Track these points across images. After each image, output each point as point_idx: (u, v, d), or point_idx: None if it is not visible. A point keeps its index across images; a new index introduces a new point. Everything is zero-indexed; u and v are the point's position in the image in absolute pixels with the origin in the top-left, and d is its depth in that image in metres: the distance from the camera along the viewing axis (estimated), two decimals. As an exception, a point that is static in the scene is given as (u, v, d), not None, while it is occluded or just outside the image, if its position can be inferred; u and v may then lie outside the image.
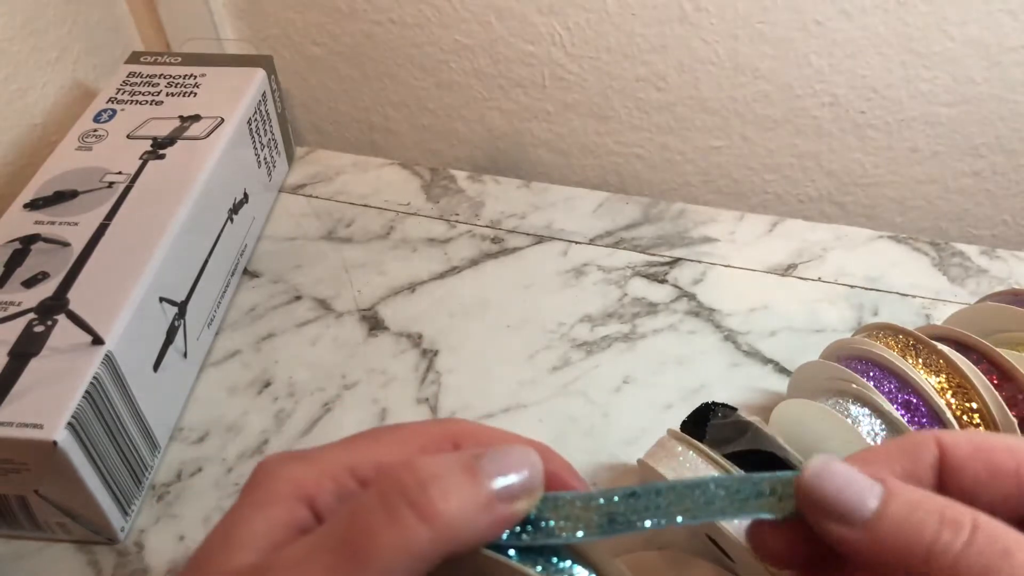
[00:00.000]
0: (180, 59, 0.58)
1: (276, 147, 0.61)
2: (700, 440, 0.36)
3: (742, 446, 0.35)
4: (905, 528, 0.19)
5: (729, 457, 0.34)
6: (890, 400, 0.37)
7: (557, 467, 0.23)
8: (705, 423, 0.38)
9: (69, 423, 0.36)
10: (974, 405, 0.36)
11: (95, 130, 0.52)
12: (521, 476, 0.20)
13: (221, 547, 0.20)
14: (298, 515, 0.21)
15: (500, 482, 0.20)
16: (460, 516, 0.19)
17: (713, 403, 0.39)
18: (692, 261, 0.56)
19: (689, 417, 0.39)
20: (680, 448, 0.35)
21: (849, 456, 0.22)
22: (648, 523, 0.21)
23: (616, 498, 0.21)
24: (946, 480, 0.21)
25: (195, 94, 0.55)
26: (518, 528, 0.21)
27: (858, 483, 0.20)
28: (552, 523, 0.21)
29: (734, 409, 0.38)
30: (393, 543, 0.18)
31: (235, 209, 0.53)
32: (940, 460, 0.21)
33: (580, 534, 0.21)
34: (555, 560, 0.21)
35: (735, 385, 0.49)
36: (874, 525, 0.19)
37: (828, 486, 0.20)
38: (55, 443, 0.36)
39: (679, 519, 0.21)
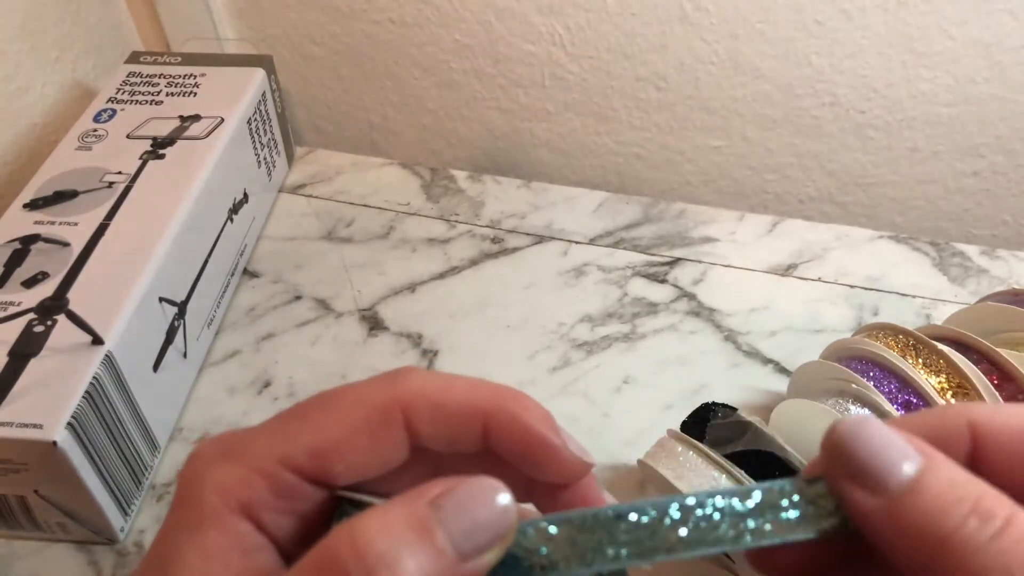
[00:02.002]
0: (180, 59, 0.58)
1: (276, 147, 0.61)
2: (700, 440, 0.36)
3: (742, 446, 0.35)
4: (933, 507, 0.17)
5: (729, 457, 0.34)
6: (890, 400, 0.37)
7: (532, 419, 0.20)
8: (705, 423, 0.38)
9: (69, 423, 0.36)
10: (974, 405, 0.36)
11: (95, 130, 0.52)
12: (490, 524, 0.17)
13: None
14: (236, 532, 0.18)
15: (464, 541, 0.17)
16: None
17: (713, 403, 0.39)
18: (692, 261, 0.56)
19: (689, 417, 0.39)
20: (680, 448, 0.35)
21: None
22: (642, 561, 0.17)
23: (599, 524, 0.18)
24: (977, 460, 0.19)
25: (195, 94, 0.55)
26: None
27: (897, 448, 0.18)
28: (525, 561, 0.17)
29: (734, 409, 0.38)
30: None
31: (235, 209, 0.53)
32: (972, 446, 0.19)
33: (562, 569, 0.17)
34: None
35: (735, 385, 0.48)
36: (901, 497, 0.17)
37: (863, 445, 0.18)
38: (55, 443, 0.36)
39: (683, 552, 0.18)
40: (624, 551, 0.17)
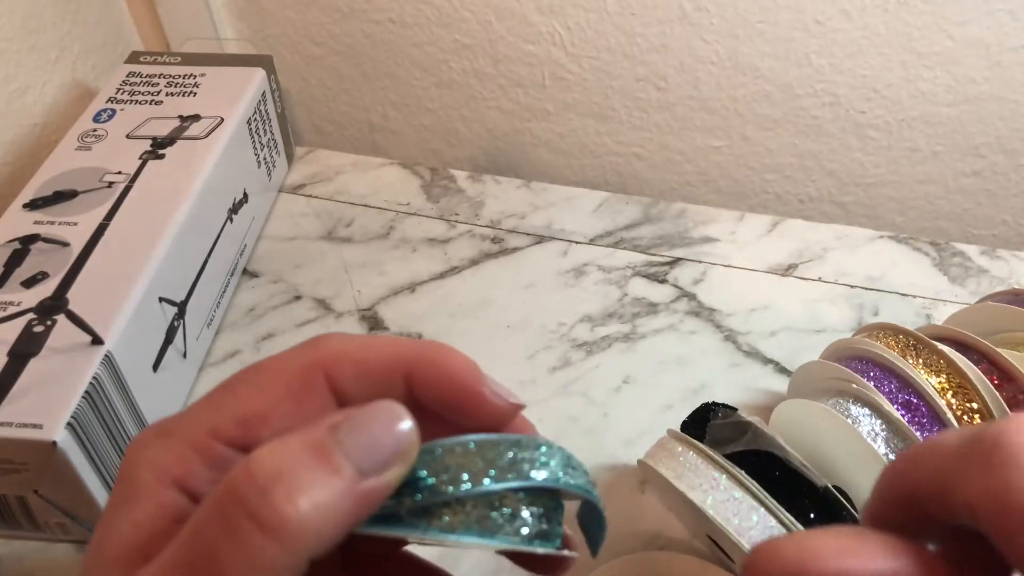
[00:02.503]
0: (180, 59, 0.58)
1: (276, 147, 0.61)
2: (700, 440, 0.36)
3: (742, 446, 0.35)
4: None
5: (729, 457, 0.34)
6: (890, 400, 0.37)
7: (453, 367, 0.20)
8: (705, 423, 0.38)
9: (69, 423, 0.36)
10: (974, 405, 0.36)
11: (95, 130, 0.52)
12: (390, 441, 0.17)
13: (94, 562, 0.18)
14: (168, 503, 0.18)
15: (363, 458, 0.17)
16: (314, 515, 0.16)
17: (713, 403, 0.39)
18: (692, 261, 0.56)
19: (689, 417, 0.39)
20: (680, 448, 0.35)
21: None
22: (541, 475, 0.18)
23: (482, 443, 0.18)
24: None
25: (195, 94, 0.55)
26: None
27: None
28: (432, 480, 0.18)
29: (734, 409, 0.38)
30: (238, 567, 0.16)
31: (235, 209, 0.53)
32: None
33: (466, 487, 0.18)
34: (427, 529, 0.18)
35: (735, 385, 0.48)
36: None
37: None
38: (55, 443, 0.35)
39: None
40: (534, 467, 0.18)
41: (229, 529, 0.16)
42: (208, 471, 0.19)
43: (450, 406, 0.20)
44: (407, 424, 0.18)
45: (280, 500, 0.16)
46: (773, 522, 0.32)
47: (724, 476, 0.33)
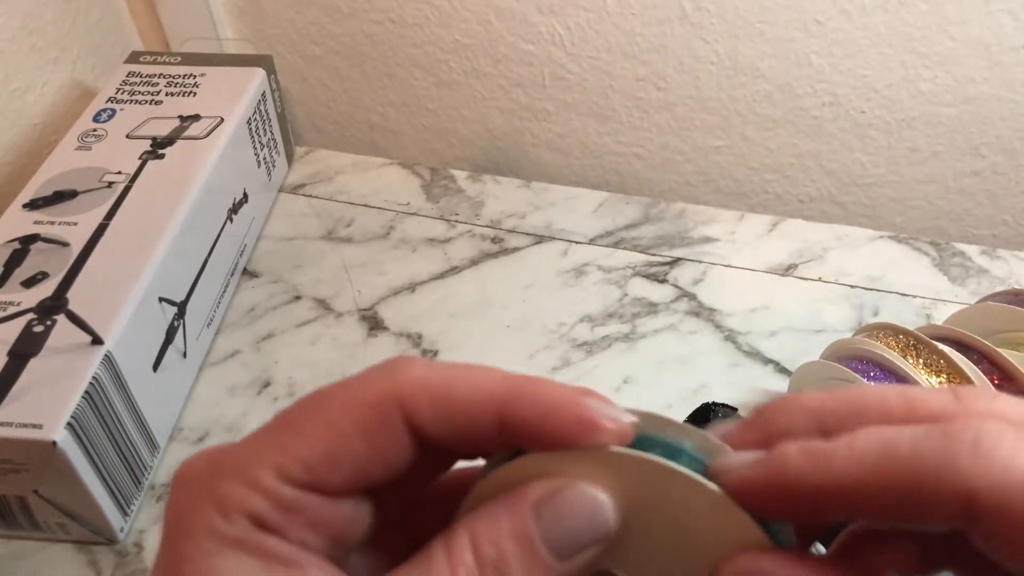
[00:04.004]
0: (180, 59, 0.58)
1: (276, 147, 0.61)
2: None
3: (742, 446, 0.35)
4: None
5: (729, 457, 0.34)
6: (890, 400, 0.37)
7: (560, 411, 0.18)
8: (705, 423, 0.38)
9: (68, 423, 0.36)
10: (975, 405, 0.36)
11: (94, 130, 0.52)
12: (590, 536, 0.18)
13: None
14: (275, 553, 0.18)
15: (562, 548, 0.18)
16: None
17: (713, 403, 0.39)
18: (692, 261, 0.56)
19: (689, 417, 0.39)
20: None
21: None
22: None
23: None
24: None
25: (195, 94, 0.55)
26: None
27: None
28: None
29: (734, 409, 0.38)
30: None
31: (234, 209, 0.53)
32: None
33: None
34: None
35: (735, 385, 0.48)
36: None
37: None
38: (54, 443, 0.36)
39: None
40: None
41: None
42: (281, 515, 0.17)
43: (551, 443, 0.18)
44: (609, 516, 0.18)
45: None
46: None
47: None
